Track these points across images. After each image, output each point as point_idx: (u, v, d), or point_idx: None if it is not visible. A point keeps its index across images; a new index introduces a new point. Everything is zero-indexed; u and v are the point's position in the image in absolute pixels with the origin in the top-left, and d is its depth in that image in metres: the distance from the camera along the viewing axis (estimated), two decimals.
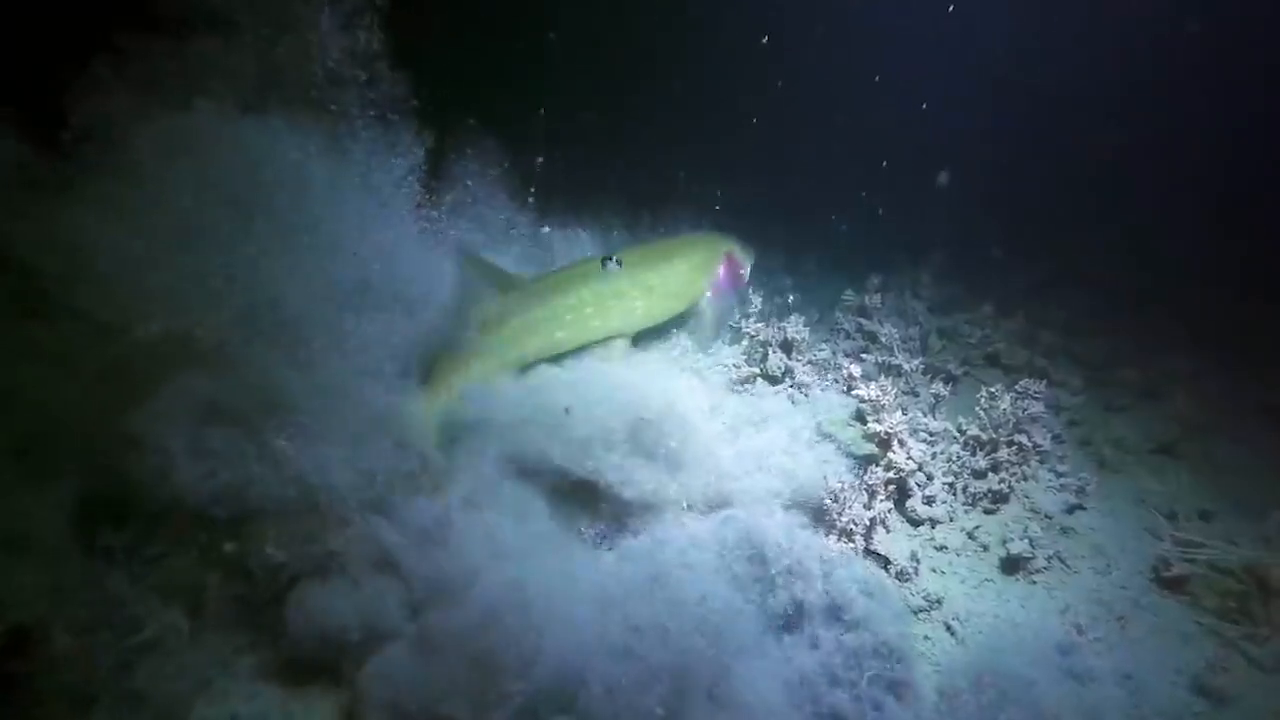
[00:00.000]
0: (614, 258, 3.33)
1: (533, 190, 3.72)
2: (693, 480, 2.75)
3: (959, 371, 4.38)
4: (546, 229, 4.01)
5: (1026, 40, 7.69)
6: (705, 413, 3.13)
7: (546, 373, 3.24)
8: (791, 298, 4.73)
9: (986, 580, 2.91)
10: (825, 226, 5.77)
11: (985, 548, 3.05)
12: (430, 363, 3.06)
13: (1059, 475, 3.41)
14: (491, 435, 2.80)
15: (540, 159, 4.11)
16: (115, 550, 2.20)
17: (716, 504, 2.74)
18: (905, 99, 6.50)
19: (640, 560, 2.39)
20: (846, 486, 2.82)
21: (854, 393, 3.30)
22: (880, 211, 5.97)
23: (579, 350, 3.43)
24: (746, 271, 4.11)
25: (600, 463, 2.69)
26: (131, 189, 2.39)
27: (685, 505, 2.73)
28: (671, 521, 2.69)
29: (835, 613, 2.32)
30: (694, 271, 3.79)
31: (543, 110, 4.89)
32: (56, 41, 2.70)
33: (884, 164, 5.96)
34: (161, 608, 2.19)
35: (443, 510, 2.42)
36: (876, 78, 6.54)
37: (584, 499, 2.76)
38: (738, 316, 4.06)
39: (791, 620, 2.33)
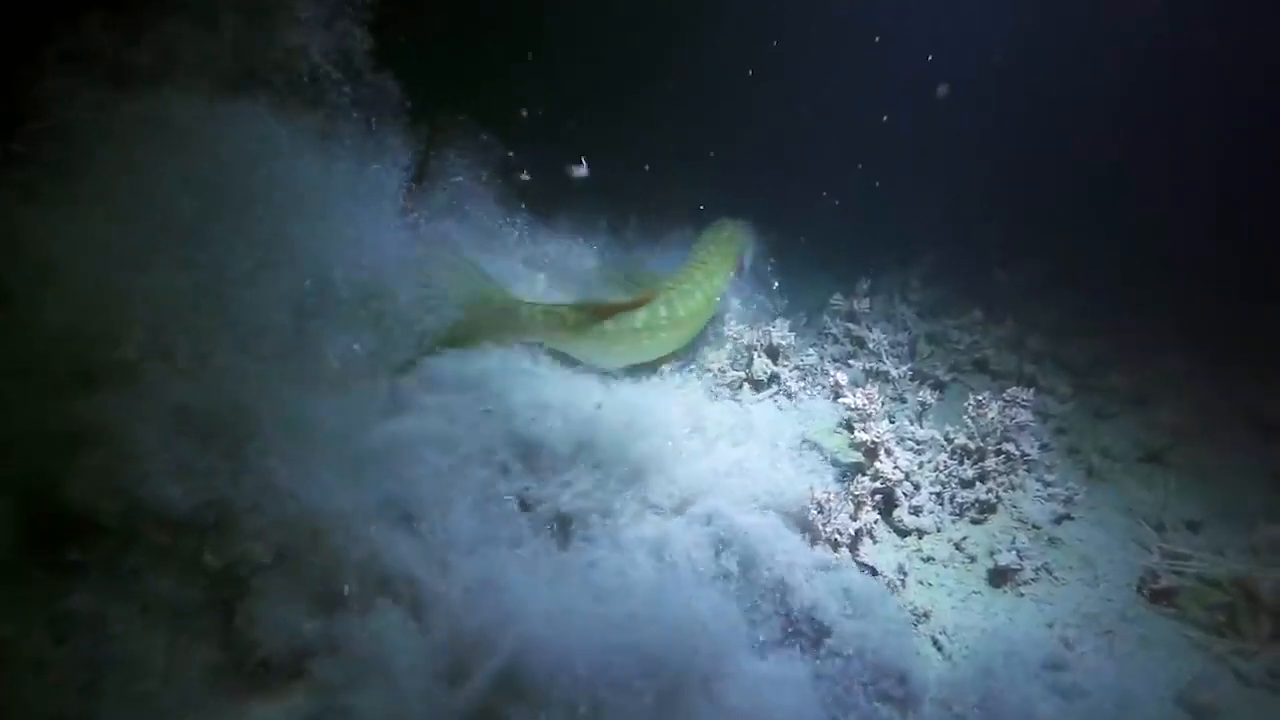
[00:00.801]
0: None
1: (521, 200, 3.70)
2: (667, 488, 2.72)
3: (947, 378, 4.36)
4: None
5: (1026, 39, 7.63)
6: (682, 420, 3.06)
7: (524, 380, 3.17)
8: (777, 284, 4.67)
9: (974, 593, 2.89)
10: (815, 227, 5.72)
11: (973, 559, 3.03)
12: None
13: (1047, 485, 3.38)
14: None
15: (531, 161, 4.07)
16: (88, 565, 2.08)
17: (694, 510, 2.67)
18: (902, 98, 6.45)
19: (620, 558, 2.36)
20: (832, 496, 2.79)
21: (840, 400, 3.27)
22: (874, 207, 5.93)
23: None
24: (748, 257, 4.20)
25: (561, 471, 2.66)
26: (105, 189, 2.34)
27: (657, 513, 2.68)
28: (649, 523, 2.64)
29: (833, 621, 2.28)
30: (717, 290, 3.90)
31: (532, 110, 4.85)
32: (12, 29, 2.54)
33: (880, 163, 5.93)
34: (141, 626, 2.09)
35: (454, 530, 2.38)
36: (873, 77, 6.49)
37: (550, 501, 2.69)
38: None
39: (784, 625, 2.30)
